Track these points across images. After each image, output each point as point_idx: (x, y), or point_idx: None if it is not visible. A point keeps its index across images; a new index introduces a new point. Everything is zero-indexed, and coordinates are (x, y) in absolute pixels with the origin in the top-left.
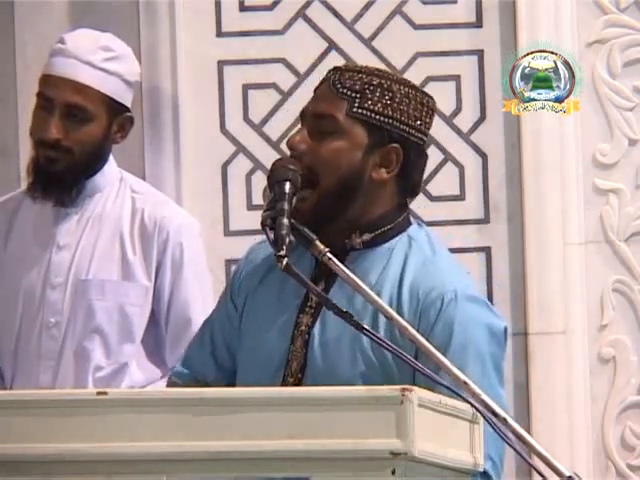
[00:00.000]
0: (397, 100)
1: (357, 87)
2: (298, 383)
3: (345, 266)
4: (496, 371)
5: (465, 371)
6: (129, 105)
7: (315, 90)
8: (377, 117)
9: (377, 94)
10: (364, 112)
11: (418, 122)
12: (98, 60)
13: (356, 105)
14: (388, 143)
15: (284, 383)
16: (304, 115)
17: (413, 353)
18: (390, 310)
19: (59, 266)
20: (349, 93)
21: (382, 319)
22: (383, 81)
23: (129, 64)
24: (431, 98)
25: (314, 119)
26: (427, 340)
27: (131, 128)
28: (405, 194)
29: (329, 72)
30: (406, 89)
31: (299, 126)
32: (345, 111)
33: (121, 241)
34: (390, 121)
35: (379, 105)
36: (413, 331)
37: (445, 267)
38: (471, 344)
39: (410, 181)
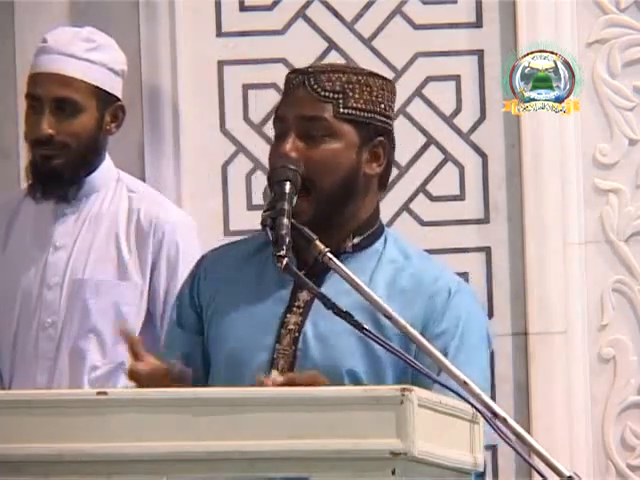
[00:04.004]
0: (375, 94)
1: (338, 88)
2: None
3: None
4: (487, 365)
5: (464, 364)
6: (119, 95)
7: (285, 96)
8: (363, 114)
9: (357, 91)
10: (350, 111)
11: (391, 111)
12: (80, 51)
13: (341, 105)
14: (375, 137)
15: None
16: (283, 121)
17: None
18: (389, 309)
19: (55, 266)
20: (332, 95)
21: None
22: (360, 77)
23: (112, 53)
24: (392, 82)
25: (301, 123)
26: (432, 327)
27: (124, 117)
28: (380, 191)
29: (296, 75)
30: (379, 81)
31: (274, 133)
32: (332, 113)
33: (117, 241)
34: (373, 115)
35: (361, 102)
36: (412, 330)
37: (440, 264)
38: (473, 336)
39: (388, 173)
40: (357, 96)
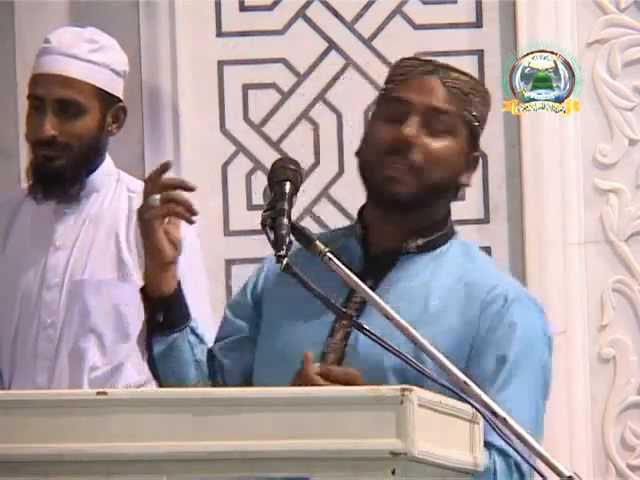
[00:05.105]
0: (488, 108)
1: (466, 89)
2: None
3: (395, 269)
4: (543, 380)
5: (517, 374)
6: (120, 95)
7: (405, 80)
8: (476, 123)
9: (477, 99)
10: (470, 116)
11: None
12: (83, 52)
13: (466, 107)
14: (476, 149)
15: None
16: (406, 105)
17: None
18: (389, 309)
19: (55, 266)
20: (460, 94)
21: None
22: (479, 86)
23: (115, 54)
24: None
25: (428, 113)
26: (485, 334)
27: (125, 118)
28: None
29: (422, 63)
30: (488, 96)
31: (396, 115)
32: (457, 112)
33: (117, 241)
34: (482, 128)
35: (478, 110)
36: (413, 331)
37: (502, 273)
38: (530, 348)
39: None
40: (476, 104)
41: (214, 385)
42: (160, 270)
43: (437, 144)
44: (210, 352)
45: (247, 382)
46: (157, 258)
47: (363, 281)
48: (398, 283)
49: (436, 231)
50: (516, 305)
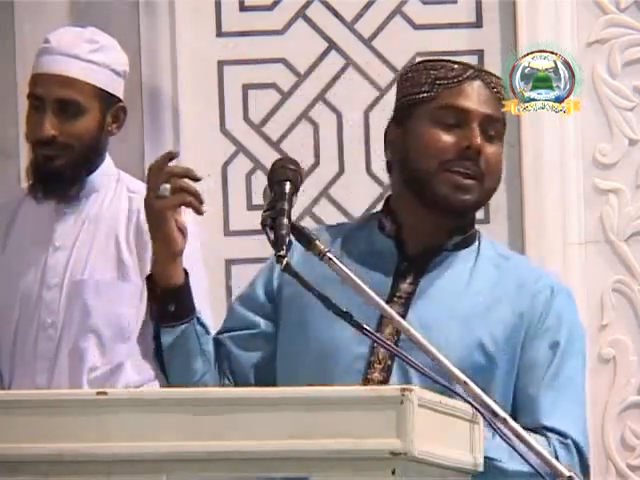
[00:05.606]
0: None
1: (503, 93)
2: (388, 370)
3: (435, 266)
4: (584, 372)
5: (568, 364)
6: (121, 95)
7: (453, 87)
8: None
9: (505, 100)
10: (505, 119)
11: None
12: (84, 52)
13: (504, 111)
14: None
15: (371, 370)
16: (463, 113)
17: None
18: (389, 309)
19: (55, 266)
20: (501, 98)
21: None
22: (504, 87)
23: (115, 54)
24: None
25: (485, 121)
26: (536, 325)
27: (125, 118)
28: None
29: (465, 69)
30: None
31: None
32: (502, 116)
33: (116, 241)
34: None
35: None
36: (414, 332)
37: (538, 266)
38: (574, 339)
39: None
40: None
41: (220, 374)
42: (171, 260)
43: (492, 151)
44: (216, 340)
45: (258, 376)
46: (169, 248)
47: (403, 278)
48: (440, 280)
49: (468, 230)
50: (559, 297)
